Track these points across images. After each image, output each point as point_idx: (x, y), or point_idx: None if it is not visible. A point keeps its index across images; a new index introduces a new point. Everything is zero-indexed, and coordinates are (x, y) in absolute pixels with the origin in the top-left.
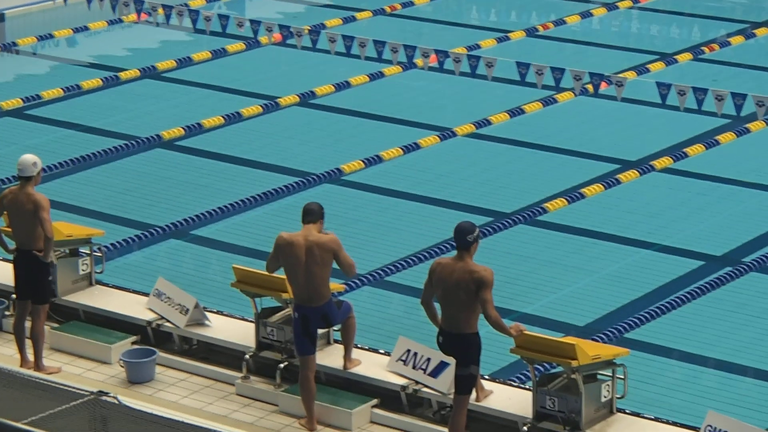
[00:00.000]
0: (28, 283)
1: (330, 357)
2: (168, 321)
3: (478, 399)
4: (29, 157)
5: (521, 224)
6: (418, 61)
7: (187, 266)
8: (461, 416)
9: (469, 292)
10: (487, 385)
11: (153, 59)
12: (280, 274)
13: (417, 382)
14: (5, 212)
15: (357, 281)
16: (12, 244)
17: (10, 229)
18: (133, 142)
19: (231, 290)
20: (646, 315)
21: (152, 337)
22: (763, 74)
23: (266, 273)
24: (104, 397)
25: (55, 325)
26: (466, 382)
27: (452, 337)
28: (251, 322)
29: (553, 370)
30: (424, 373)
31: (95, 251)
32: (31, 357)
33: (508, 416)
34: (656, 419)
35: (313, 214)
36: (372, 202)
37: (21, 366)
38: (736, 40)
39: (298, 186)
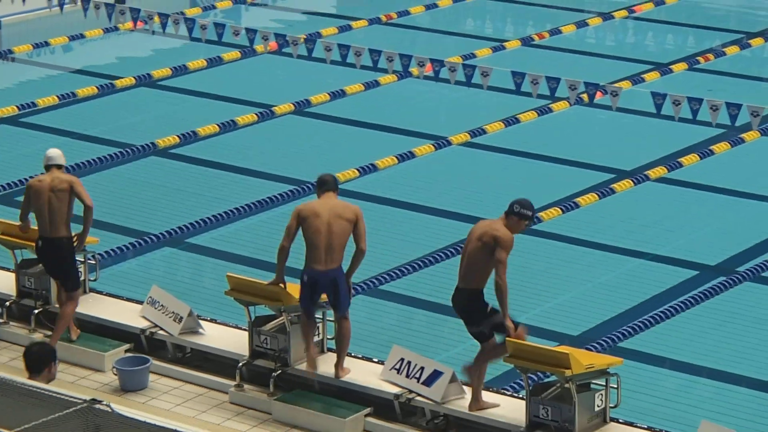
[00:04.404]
0: (58, 271)
1: (324, 365)
2: (162, 329)
3: (470, 409)
4: (57, 150)
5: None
6: (414, 70)
7: (182, 274)
8: (479, 361)
9: (486, 247)
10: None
11: (148, 67)
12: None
13: (410, 391)
14: (30, 200)
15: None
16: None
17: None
18: (128, 149)
19: (225, 298)
20: (640, 324)
21: (146, 345)
22: (758, 84)
23: (260, 282)
24: (97, 405)
25: (49, 333)
26: (480, 337)
27: (459, 293)
28: (245, 330)
29: (547, 380)
30: (418, 381)
31: (89, 259)
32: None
33: (502, 425)
34: (650, 429)
35: (328, 184)
36: (367, 211)
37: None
38: (731, 50)
39: (294, 194)
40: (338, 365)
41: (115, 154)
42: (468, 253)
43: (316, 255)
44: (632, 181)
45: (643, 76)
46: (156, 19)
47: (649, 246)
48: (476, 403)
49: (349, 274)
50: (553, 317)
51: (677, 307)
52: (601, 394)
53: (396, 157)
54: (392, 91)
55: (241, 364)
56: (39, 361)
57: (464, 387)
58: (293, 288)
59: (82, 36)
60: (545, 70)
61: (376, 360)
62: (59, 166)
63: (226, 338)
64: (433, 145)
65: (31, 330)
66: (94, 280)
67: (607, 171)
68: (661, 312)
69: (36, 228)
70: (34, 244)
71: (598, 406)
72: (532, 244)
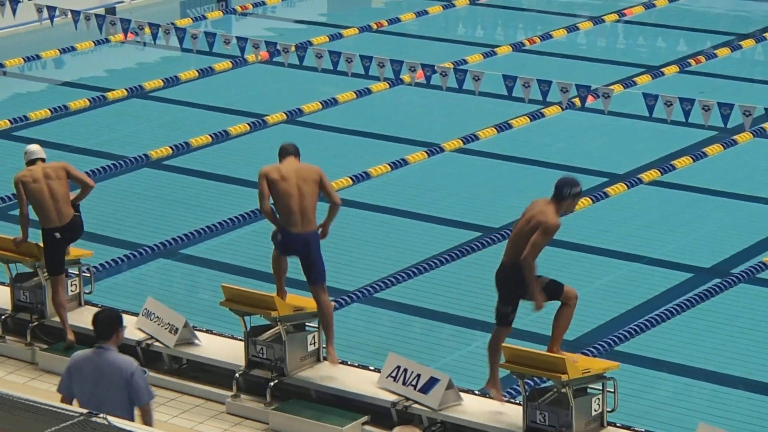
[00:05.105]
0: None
1: (320, 374)
2: (157, 341)
3: (487, 385)
4: (37, 145)
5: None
6: (405, 76)
7: (177, 285)
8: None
9: (533, 230)
10: (477, 400)
11: (140, 79)
12: (268, 291)
13: (407, 399)
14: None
15: (346, 298)
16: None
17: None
18: (121, 161)
19: (220, 309)
20: (636, 328)
21: (142, 357)
22: (749, 86)
23: (255, 291)
24: (94, 418)
25: (44, 346)
26: (501, 318)
27: (501, 268)
28: (241, 340)
29: (544, 385)
30: (415, 389)
31: (84, 272)
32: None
33: (499, 431)
34: None
35: (289, 149)
36: (360, 219)
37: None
38: (722, 52)
39: None
40: (327, 350)
41: (108, 166)
42: (516, 230)
43: (291, 219)
44: (625, 184)
45: (634, 79)
46: (147, 30)
47: (643, 249)
48: (492, 381)
49: (327, 224)
50: (549, 322)
51: (673, 310)
52: (598, 399)
53: (389, 165)
54: (384, 99)
55: (237, 374)
56: (109, 326)
57: (461, 393)
58: (291, 298)
59: (73, 48)
60: (537, 75)
61: (372, 368)
62: (42, 160)
63: (222, 349)
64: (425, 152)
65: (26, 344)
66: (89, 293)
67: (600, 175)
68: (656, 315)
69: (32, 242)
70: (29, 258)
71: (595, 411)
72: None
